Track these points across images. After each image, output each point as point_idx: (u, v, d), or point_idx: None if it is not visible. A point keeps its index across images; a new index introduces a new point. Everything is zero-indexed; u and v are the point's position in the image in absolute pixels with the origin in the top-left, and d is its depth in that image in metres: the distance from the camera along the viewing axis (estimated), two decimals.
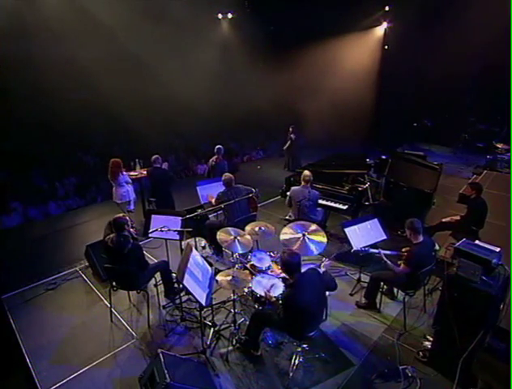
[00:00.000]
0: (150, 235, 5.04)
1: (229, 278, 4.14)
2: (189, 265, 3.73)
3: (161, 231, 4.76)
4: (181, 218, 5.08)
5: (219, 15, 14.50)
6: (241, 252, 4.44)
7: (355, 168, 7.22)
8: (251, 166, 11.76)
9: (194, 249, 4.04)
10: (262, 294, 4.15)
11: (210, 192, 6.13)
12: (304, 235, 4.69)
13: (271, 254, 4.87)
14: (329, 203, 6.72)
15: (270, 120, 13.56)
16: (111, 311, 4.88)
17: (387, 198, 7.13)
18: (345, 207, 6.62)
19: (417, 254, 4.36)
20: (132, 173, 7.71)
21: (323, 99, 11.97)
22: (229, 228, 4.59)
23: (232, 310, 4.47)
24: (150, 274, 4.79)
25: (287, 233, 4.77)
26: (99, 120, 11.67)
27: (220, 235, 4.50)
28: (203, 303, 3.63)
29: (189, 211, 6.27)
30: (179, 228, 4.87)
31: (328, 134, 11.22)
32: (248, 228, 4.82)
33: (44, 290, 5.53)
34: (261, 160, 12.76)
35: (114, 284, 4.71)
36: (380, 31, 12.58)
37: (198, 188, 6.36)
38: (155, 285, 5.18)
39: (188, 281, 3.57)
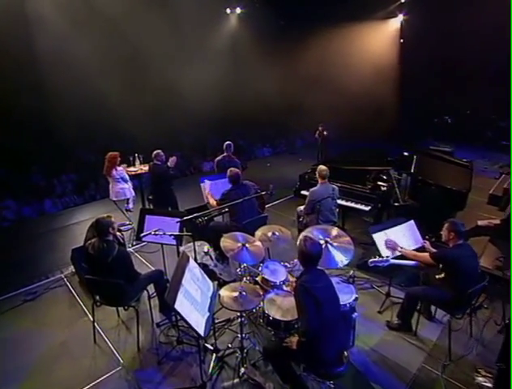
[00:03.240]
0: (143, 239, 4.14)
1: (235, 294, 3.20)
2: (183, 281, 2.79)
3: (155, 235, 3.85)
4: (179, 219, 4.17)
5: (228, 10, 13.62)
6: (250, 263, 3.48)
7: (377, 164, 6.26)
8: (260, 163, 10.80)
9: (191, 259, 3.09)
10: (277, 317, 3.20)
11: (211, 190, 5.19)
12: (327, 242, 3.74)
13: (287, 264, 3.90)
14: (349, 204, 5.76)
15: (280, 116, 12.61)
16: (94, 330, 3.96)
17: (414, 198, 6.13)
18: (367, 208, 5.65)
19: (453, 253, 3.51)
20: (131, 169, 6.84)
21: (337, 93, 10.99)
22: (236, 234, 3.64)
23: (238, 335, 3.51)
24: (140, 287, 3.87)
25: None
26: (101, 116, 10.85)
27: (225, 242, 3.54)
28: (202, 333, 2.69)
29: (191, 211, 5.36)
30: (176, 232, 3.94)
31: (343, 129, 10.24)
32: (258, 233, 3.87)
33: (21, 301, 4.64)
34: (270, 158, 11.81)
35: (97, 298, 3.79)
36: (396, 23, 11.53)
37: (202, 185, 5.43)
38: (149, 298, 4.25)
39: (182, 304, 2.63)
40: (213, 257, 4.99)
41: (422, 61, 10.67)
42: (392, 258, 3.81)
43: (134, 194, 6.66)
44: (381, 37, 11.34)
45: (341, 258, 3.63)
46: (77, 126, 10.63)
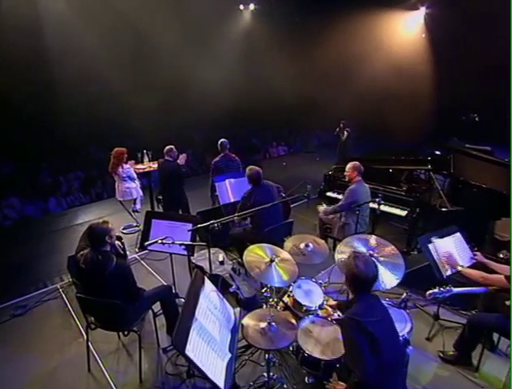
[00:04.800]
0: (148, 248, 3.40)
1: (263, 325, 2.43)
2: (197, 314, 2.03)
3: (162, 244, 3.11)
4: (190, 226, 3.42)
5: (241, 6, 12.88)
6: (280, 286, 2.68)
7: (411, 164, 5.45)
8: (275, 163, 10.00)
9: (206, 280, 2.32)
10: (315, 354, 2.42)
11: (232, 190, 4.44)
12: (371, 256, 2.94)
13: (321, 282, 3.11)
14: (382, 208, 4.92)
15: (296, 114, 11.82)
16: (89, 355, 3.21)
17: (453, 202, 5.28)
18: (404, 214, 4.82)
19: None
20: (139, 167, 6.12)
21: (355, 90, 10.16)
22: (264, 246, 2.83)
23: (265, 373, 2.73)
24: (143, 307, 3.11)
25: (345, 252, 3.03)
26: (111, 112, 10.23)
27: (250, 256, 2.73)
28: (222, 386, 1.91)
29: (204, 215, 4.62)
30: (187, 241, 3.19)
31: (361, 127, 9.37)
32: (289, 244, 3.07)
33: (9, 316, 3.91)
34: (285, 157, 11.00)
35: (92, 319, 3.05)
36: (419, 16, 10.57)
37: (217, 184, 4.67)
38: (154, 316, 3.49)
39: (196, 348, 1.87)
40: (228, 267, 4.22)
41: (448, 56, 9.76)
42: (454, 287, 2.98)
43: (141, 193, 5.96)
44: (404, 31, 10.38)
45: (390, 278, 2.84)
46: (87, 122, 10.08)
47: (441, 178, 5.66)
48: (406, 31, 10.28)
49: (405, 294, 2.85)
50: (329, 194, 5.35)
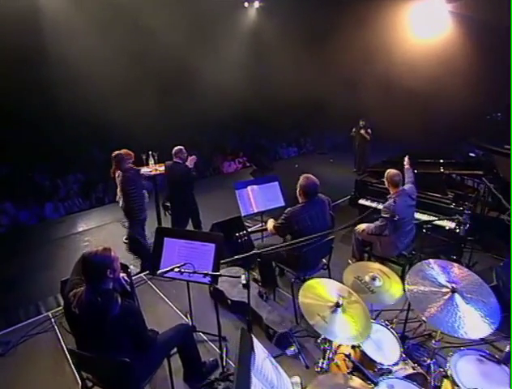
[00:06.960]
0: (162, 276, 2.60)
1: None
2: None
3: (180, 272, 2.32)
4: (213, 246, 2.64)
5: (246, 4, 12.14)
6: (347, 343, 1.86)
7: (456, 167, 4.73)
8: (286, 165, 9.21)
9: (256, 343, 1.54)
10: None
11: (256, 200, 3.65)
12: (455, 291, 2.17)
13: (387, 323, 2.32)
14: (425, 218, 4.15)
15: (306, 114, 11.09)
16: None
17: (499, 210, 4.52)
18: (452, 225, 4.05)
19: None
20: (145, 170, 5.34)
21: (369, 89, 9.41)
22: (324, 282, 2.01)
23: None
24: (157, 359, 2.31)
25: (416, 284, 2.25)
26: (116, 112, 9.47)
27: (306, 297, 1.89)
28: None
29: (222, 227, 3.85)
30: (211, 271, 2.40)
31: (376, 128, 8.61)
32: (349, 277, 2.24)
33: None
34: (297, 158, 10.23)
35: (89, 376, 2.25)
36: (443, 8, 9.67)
37: (237, 192, 3.87)
38: (168, 358, 2.68)
39: None
40: (254, 291, 3.44)
41: (469, 51, 8.99)
42: None
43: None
44: (425, 25, 9.47)
45: (482, 324, 2.05)
46: (88, 122, 9.32)
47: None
48: (426, 25, 9.39)
49: (507, 348, 2.07)
50: (362, 201, 4.57)
